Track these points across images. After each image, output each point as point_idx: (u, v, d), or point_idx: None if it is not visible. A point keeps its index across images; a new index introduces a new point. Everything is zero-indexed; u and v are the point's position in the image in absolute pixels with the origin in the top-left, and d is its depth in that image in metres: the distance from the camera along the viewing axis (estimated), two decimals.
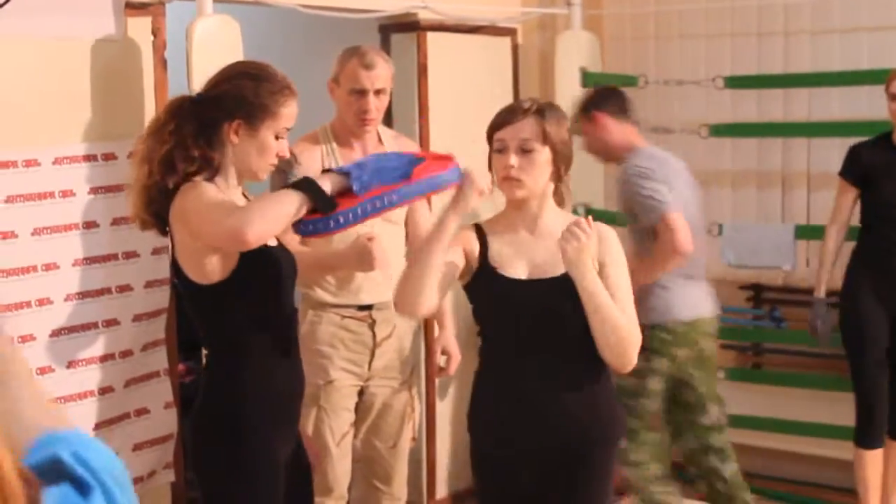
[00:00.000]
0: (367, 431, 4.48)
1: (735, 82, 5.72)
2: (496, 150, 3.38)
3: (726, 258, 5.77)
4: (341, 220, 3.17)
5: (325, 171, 3.31)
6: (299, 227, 3.21)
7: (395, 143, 4.42)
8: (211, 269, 3.22)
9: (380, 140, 4.36)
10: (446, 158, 3.31)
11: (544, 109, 3.38)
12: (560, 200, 3.48)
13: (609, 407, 3.45)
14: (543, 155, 3.34)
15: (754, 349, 6.07)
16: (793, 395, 5.75)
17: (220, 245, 3.18)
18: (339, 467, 4.33)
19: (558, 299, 3.30)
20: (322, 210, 3.15)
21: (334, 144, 4.27)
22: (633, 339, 3.29)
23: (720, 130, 5.75)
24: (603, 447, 3.42)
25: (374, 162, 3.28)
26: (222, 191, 3.25)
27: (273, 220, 3.09)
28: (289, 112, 3.30)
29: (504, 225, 3.45)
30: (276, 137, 3.29)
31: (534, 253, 3.39)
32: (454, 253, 3.34)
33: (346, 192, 3.18)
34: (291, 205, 3.11)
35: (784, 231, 5.64)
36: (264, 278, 3.30)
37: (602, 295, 3.23)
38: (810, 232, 5.60)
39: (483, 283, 3.40)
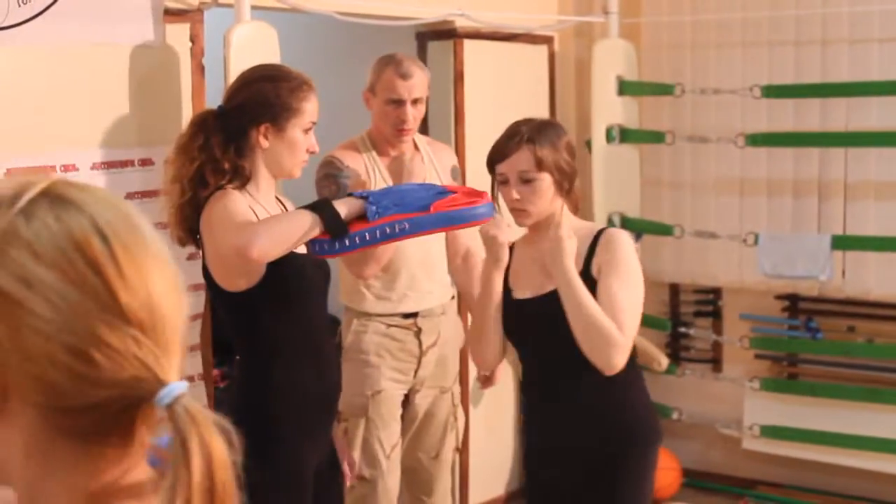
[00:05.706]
0: (410, 442, 4.45)
1: (772, 91, 5.69)
2: (500, 182, 3.46)
3: (762, 268, 5.74)
4: (346, 242, 3.17)
5: (349, 195, 3.34)
6: (310, 246, 3.23)
7: (430, 148, 4.43)
8: (238, 276, 3.25)
9: (416, 147, 4.35)
10: (478, 195, 3.33)
11: (535, 136, 3.43)
12: (574, 207, 3.53)
13: (634, 408, 3.47)
14: (544, 181, 3.41)
15: (789, 359, 6.03)
16: (827, 406, 5.72)
17: (228, 257, 3.19)
18: (390, 480, 4.29)
19: (554, 311, 3.34)
20: (332, 233, 3.16)
21: (374, 153, 4.25)
22: (611, 340, 3.25)
23: (757, 140, 5.72)
24: (631, 448, 3.44)
25: (401, 190, 3.34)
26: (254, 198, 3.28)
27: (280, 240, 3.10)
28: (311, 107, 3.35)
29: (528, 242, 3.54)
30: (304, 132, 3.34)
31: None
32: None
33: (362, 216, 3.21)
34: (302, 226, 3.13)
35: (820, 241, 5.61)
36: (291, 286, 3.32)
37: (578, 294, 3.26)
38: (847, 242, 5.57)
39: (504, 301, 3.51)
